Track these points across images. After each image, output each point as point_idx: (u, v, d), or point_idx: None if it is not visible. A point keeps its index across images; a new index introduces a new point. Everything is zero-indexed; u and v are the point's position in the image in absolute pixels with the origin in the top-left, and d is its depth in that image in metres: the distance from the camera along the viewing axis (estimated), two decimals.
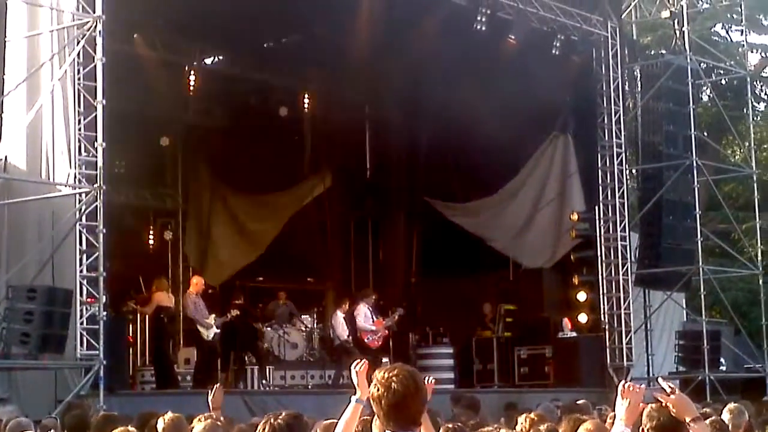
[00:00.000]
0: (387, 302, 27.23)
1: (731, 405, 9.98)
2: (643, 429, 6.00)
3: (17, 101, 17.82)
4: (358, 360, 6.24)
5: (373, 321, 23.29)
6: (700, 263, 25.68)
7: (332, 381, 23.07)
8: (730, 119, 29.24)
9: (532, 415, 8.76)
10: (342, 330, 23.14)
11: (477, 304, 26.86)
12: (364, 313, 23.30)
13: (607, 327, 25.32)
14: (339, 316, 23.29)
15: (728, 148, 37.82)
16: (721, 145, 35.28)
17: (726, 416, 9.65)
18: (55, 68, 17.69)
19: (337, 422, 6.25)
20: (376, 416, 6.71)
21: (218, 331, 21.66)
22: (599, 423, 7.52)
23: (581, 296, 25.61)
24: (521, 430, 8.47)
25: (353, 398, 6.10)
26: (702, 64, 28.69)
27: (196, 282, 22.46)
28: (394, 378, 5.43)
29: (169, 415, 8.80)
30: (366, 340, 23.11)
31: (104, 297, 17.42)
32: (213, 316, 21.72)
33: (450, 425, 8.57)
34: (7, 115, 17.84)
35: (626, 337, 25.24)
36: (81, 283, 17.27)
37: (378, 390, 5.44)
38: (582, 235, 25.57)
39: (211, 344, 21.72)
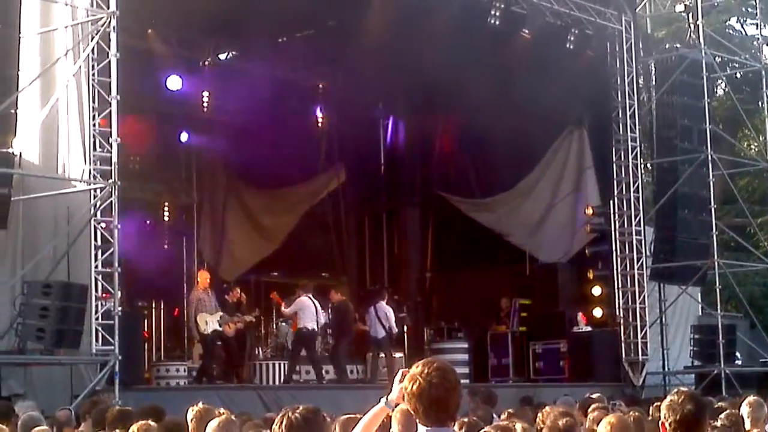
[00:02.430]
0: (402, 297, 27.31)
1: (751, 398, 9.93)
2: (664, 423, 5.98)
3: (32, 97, 17.83)
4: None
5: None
6: (716, 257, 25.61)
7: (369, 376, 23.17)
8: (745, 113, 29.14)
9: (548, 409, 8.74)
10: (393, 322, 23.40)
11: (492, 298, 26.82)
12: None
13: (622, 321, 25.26)
14: (387, 308, 23.39)
15: (743, 142, 37.69)
16: (737, 138, 35.14)
17: (745, 409, 9.61)
18: (69, 64, 17.72)
19: (358, 418, 6.18)
20: (397, 412, 6.64)
21: (219, 328, 21.33)
22: (621, 417, 7.48)
23: (596, 291, 25.57)
24: (540, 423, 8.46)
25: (383, 399, 5.96)
26: (717, 58, 28.62)
27: (204, 277, 22.14)
28: (434, 373, 5.35)
29: (200, 406, 8.84)
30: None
31: (119, 292, 17.45)
32: (220, 314, 21.44)
33: (465, 419, 8.55)
34: (22, 112, 17.85)
35: (641, 332, 25.17)
36: (96, 279, 17.29)
37: (418, 385, 5.34)
38: (597, 230, 25.52)
39: (211, 339, 21.43)
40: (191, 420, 8.73)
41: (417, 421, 5.43)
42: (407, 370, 5.79)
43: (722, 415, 9.48)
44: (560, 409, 9.60)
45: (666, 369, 25.80)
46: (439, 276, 28.83)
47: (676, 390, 6.16)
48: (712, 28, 30.40)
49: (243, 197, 27.02)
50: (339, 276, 28.35)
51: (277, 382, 22.20)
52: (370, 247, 29.69)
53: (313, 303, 22.40)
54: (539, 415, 8.59)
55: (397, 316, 24.48)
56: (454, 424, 5.45)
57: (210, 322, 21.25)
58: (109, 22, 17.59)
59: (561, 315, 25.86)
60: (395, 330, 23.91)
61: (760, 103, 31.71)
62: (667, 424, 5.97)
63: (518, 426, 8.55)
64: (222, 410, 8.69)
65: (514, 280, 27.36)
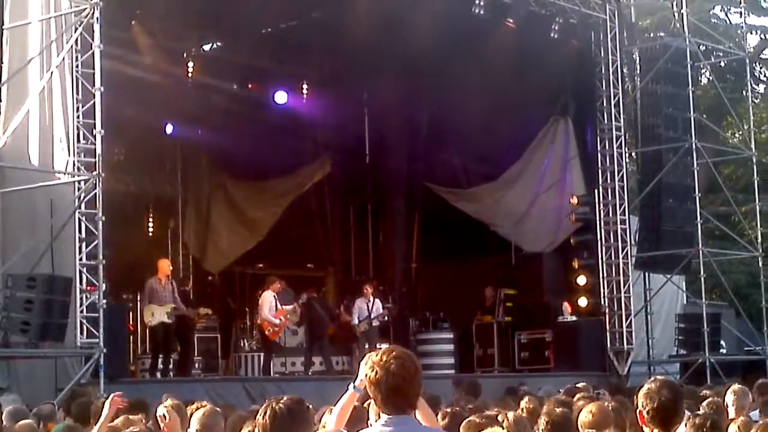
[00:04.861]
0: (387, 287, 27.31)
1: (735, 386, 9.98)
2: (642, 411, 6.01)
3: (15, 89, 17.78)
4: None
5: (276, 311, 22.30)
6: (700, 246, 25.66)
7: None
8: (729, 101, 29.20)
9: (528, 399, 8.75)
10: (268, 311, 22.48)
11: (477, 289, 26.81)
12: (269, 303, 22.29)
13: (607, 311, 25.28)
14: (267, 296, 22.47)
15: (728, 131, 37.79)
16: (721, 127, 35.23)
17: (730, 397, 9.66)
18: (53, 55, 17.67)
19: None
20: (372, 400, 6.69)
21: (168, 321, 20.78)
22: (602, 405, 7.50)
23: (581, 280, 25.57)
24: (523, 411, 8.46)
25: (351, 386, 6.04)
26: (701, 47, 28.61)
27: (160, 265, 21.48)
28: (392, 361, 5.37)
29: (169, 401, 8.79)
30: (267, 332, 22.30)
31: (104, 285, 17.42)
32: (172, 306, 20.91)
33: (449, 410, 8.57)
34: (5, 103, 17.80)
35: (626, 321, 25.20)
36: (80, 271, 17.26)
37: (376, 373, 5.38)
38: (582, 219, 25.54)
39: (158, 332, 21.00)
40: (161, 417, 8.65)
41: (377, 408, 5.46)
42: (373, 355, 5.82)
43: (704, 403, 9.52)
44: (562, 397, 9.63)
45: (651, 358, 25.85)
46: (424, 266, 28.82)
47: (652, 378, 6.21)
48: (697, 17, 30.43)
49: (228, 189, 26.97)
50: (325, 267, 28.36)
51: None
52: (356, 238, 29.67)
53: None
54: (522, 403, 8.59)
55: (388, 309, 24.61)
56: (414, 411, 5.47)
57: (156, 314, 20.74)
58: (93, 13, 17.53)
59: (546, 305, 25.88)
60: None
61: (744, 92, 31.83)
62: (644, 412, 6.01)
63: (510, 415, 8.56)
64: (205, 402, 8.64)
65: (499, 270, 27.36)
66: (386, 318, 24.41)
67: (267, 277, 23.42)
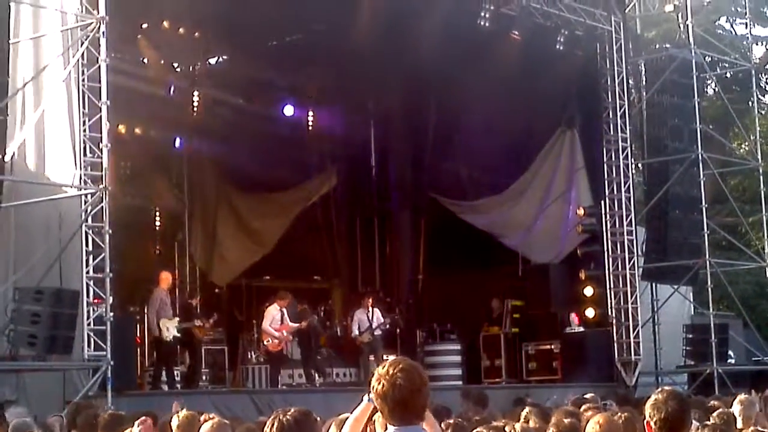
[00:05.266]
0: (394, 299, 27.33)
1: (742, 397, 9.98)
2: (649, 422, 6.01)
3: (23, 103, 17.82)
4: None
5: (280, 324, 22.33)
6: (707, 256, 25.65)
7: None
8: (735, 112, 29.19)
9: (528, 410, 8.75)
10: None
11: (484, 300, 26.82)
12: (272, 316, 22.36)
13: (614, 321, 25.28)
14: (271, 310, 22.62)
15: (734, 141, 37.76)
16: (727, 138, 35.21)
17: (737, 408, 9.65)
18: (59, 69, 17.71)
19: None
20: (379, 416, 6.71)
21: (178, 335, 21.08)
22: (609, 417, 7.49)
23: (588, 291, 25.57)
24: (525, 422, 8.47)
25: (365, 397, 6.04)
26: (707, 58, 28.66)
27: (165, 277, 21.76)
28: (399, 374, 5.38)
29: (184, 412, 8.84)
30: (265, 342, 22.38)
31: (111, 298, 17.43)
32: (177, 319, 21.17)
33: (451, 421, 8.57)
34: (13, 118, 17.84)
35: (634, 332, 25.19)
36: (87, 284, 17.28)
37: (383, 386, 5.38)
38: (588, 230, 25.53)
39: (170, 346, 21.16)
40: (177, 427, 8.71)
41: (383, 420, 5.46)
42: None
43: (714, 414, 9.51)
44: (570, 408, 9.63)
45: (659, 369, 25.81)
46: (431, 278, 28.78)
47: (660, 389, 6.22)
48: (702, 28, 30.44)
49: (234, 201, 26.97)
50: (331, 279, 28.36)
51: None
52: (362, 250, 29.64)
53: None
54: (522, 414, 8.59)
55: (390, 318, 24.64)
56: (421, 423, 5.47)
57: (170, 328, 20.98)
58: (99, 27, 17.57)
59: (553, 316, 25.88)
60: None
61: (749, 103, 31.79)
62: (652, 423, 6.01)
63: (517, 426, 8.56)
64: (213, 414, 8.68)
65: (506, 282, 27.32)
66: (387, 326, 24.43)
67: (279, 291, 23.41)
